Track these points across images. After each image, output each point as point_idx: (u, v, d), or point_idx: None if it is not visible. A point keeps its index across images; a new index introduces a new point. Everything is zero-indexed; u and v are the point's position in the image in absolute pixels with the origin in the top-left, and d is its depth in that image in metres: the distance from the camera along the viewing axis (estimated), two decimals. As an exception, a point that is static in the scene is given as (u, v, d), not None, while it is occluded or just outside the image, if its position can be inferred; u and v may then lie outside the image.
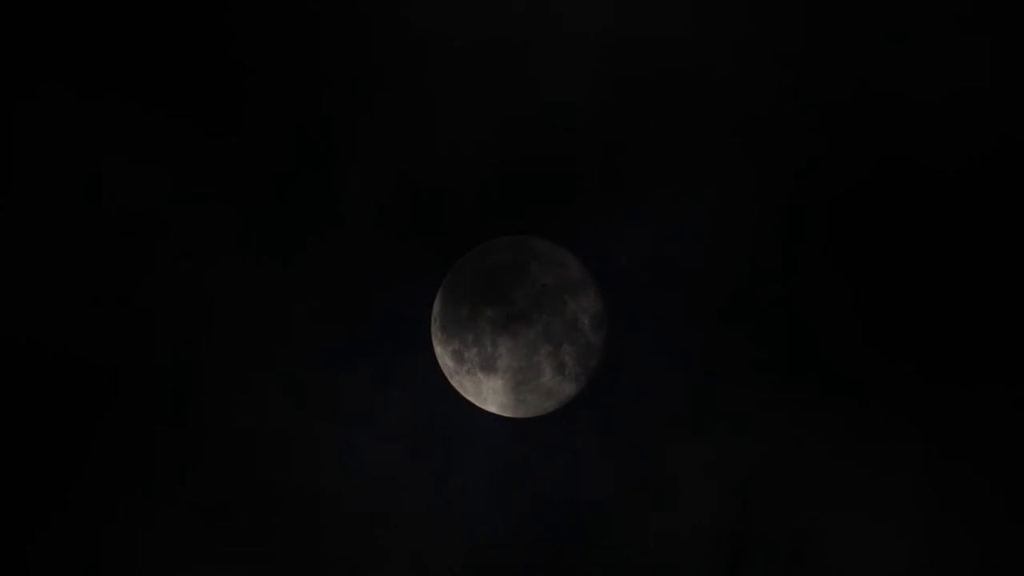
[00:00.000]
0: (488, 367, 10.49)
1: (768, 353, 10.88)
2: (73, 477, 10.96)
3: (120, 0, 10.98)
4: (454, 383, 10.80)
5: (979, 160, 10.63)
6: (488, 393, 10.66)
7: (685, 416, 11.01)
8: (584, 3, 10.99)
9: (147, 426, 11.00)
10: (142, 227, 10.97)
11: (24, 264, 10.95)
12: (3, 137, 10.90)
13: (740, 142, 10.95)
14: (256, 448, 11.06)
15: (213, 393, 11.03)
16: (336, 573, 11.14)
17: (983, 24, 10.67)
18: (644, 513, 11.10)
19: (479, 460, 11.18)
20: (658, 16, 10.94)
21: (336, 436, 11.15)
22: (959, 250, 10.73)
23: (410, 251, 11.15)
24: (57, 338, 10.91)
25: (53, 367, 10.91)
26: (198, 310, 11.04)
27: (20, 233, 10.95)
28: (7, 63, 10.86)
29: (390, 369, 11.13)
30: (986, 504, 10.62)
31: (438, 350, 10.81)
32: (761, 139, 10.95)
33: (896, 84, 10.71)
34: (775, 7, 10.84)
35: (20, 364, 10.90)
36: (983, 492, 10.63)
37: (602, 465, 11.17)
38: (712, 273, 10.96)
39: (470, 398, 10.79)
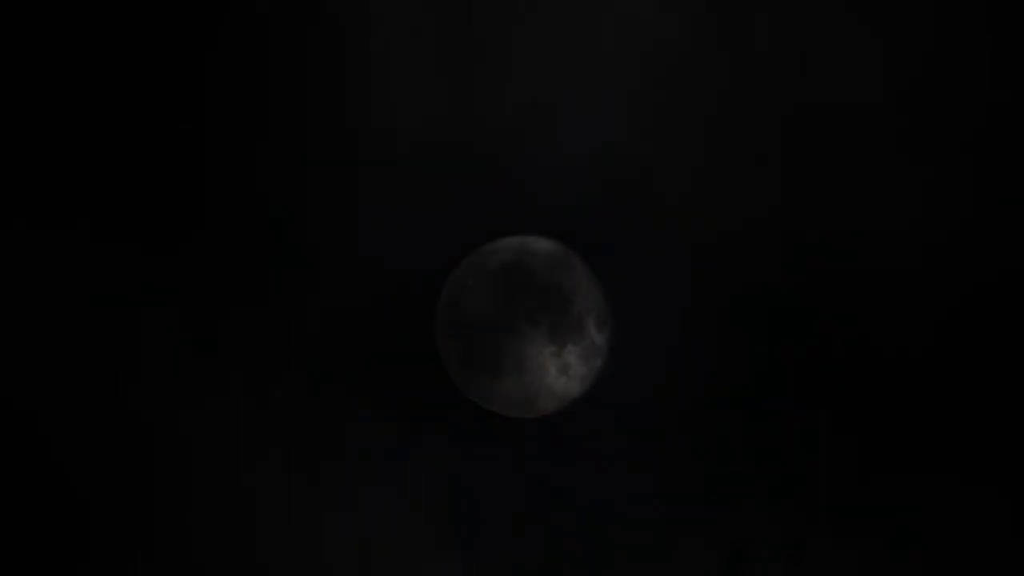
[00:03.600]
0: (493, 367, 10.51)
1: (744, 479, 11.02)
2: None
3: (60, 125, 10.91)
4: (458, 383, 10.81)
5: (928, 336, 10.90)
6: (492, 393, 10.68)
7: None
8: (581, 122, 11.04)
9: (127, 549, 10.93)
10: (113, 353, 10.90)
11: None
12: None
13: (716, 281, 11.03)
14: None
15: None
16: None
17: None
18: (644, 514, 11.15)
19: (480, 462, 11.20)
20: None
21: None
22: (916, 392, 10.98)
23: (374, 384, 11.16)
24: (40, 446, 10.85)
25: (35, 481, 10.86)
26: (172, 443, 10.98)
27: None
28: None
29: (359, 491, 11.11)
30: None
31: (442, 350, 10.82)
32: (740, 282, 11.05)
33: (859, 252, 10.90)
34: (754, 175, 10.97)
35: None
36: None
37: (603, 467, 11.21)
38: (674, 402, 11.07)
39: (473, 398, 10.81)
